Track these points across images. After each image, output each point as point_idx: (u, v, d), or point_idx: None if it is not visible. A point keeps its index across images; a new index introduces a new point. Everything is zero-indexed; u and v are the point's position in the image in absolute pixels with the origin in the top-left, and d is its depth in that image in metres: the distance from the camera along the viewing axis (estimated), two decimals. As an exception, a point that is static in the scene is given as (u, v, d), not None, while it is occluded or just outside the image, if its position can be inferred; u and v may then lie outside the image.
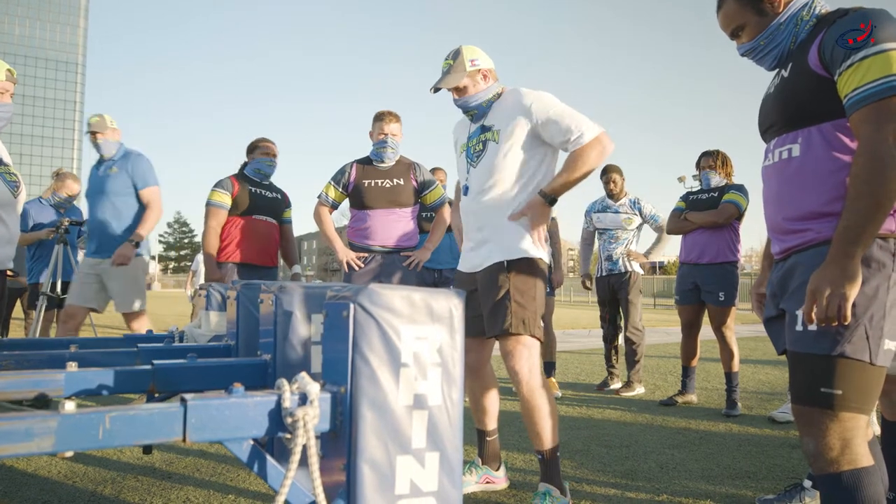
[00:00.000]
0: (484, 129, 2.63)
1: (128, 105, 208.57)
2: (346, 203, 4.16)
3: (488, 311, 2.51)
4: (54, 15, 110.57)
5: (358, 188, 3.91)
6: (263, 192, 4.34)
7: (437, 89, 2.64)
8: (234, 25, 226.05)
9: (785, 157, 1.74)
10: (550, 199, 2.47)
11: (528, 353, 2.45)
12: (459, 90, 2.63)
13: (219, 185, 4.27)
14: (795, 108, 1.71)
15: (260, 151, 4.36)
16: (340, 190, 3.98)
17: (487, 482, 2.79)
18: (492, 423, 2.83)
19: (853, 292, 1.49)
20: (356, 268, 3.87)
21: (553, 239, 5.33)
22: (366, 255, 3.91)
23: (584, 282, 5.88)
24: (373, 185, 3.90)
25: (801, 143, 1.70)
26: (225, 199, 4.23)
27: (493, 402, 2.80)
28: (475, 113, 2.67)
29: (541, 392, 2.46)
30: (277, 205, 4.44)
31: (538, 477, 2.94)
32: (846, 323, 1.51)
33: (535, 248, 2.52)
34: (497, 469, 2.83)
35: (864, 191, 1.50)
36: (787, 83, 1.73)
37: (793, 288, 1.69)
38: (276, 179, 4.53)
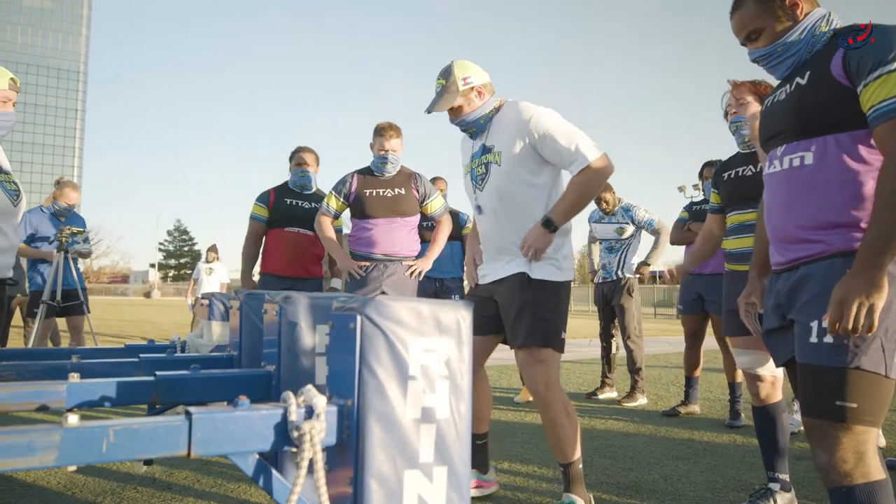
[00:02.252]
0: (485, 149, 2.58)
1: (129, 113, 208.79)
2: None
3: (510, 322, 2.50)
4: (57, 24, 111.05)
5: (359, 198, 3.92)
6: (301, 202, 4.32)
7: (431, 111, 2.59)
8: (234, 33, 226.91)
9: (797, 164, 1.72)
10: (553, 226, 2.42)
11: (545, 369, 2.44)
12: (454, 110, 2.58)
13: (258, 197, 4.36)
14: (812, 116, 1.69)
15: (294, 163, 4.38)
16: (342, 200, 3.97)
17: (477, 486, 2.76)
18: (482, 427, 2.80)
19: (881, 303, 1.49)
20: (357, 276, 3.86)
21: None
22: (367, 263, 3.90)
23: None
24: (374, 194, 3.90)
25: (815, 151, 1.68)
26: (260, 211, 4.31)
27: (484, 406, 2.77)
28: (474, 130, 2.62)
29: (559, 407, 2.44)
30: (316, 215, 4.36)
31: (541, 487, 2.93)
32: (870, 333, 1.50)
33: (557, 271, 2.51)
34: (486, 473, 2.80)
35: (892, 202, 1.49)
36: (804, 90, 1.71)
37: (805, 299, 1.68)
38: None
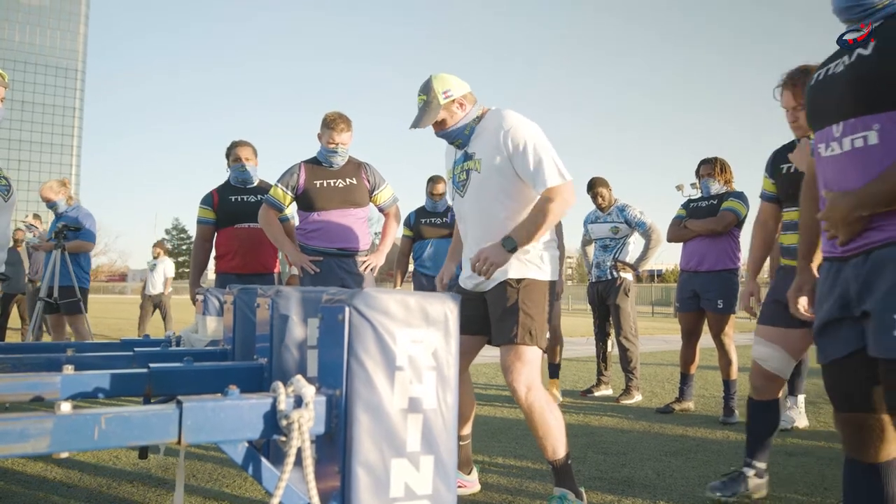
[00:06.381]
0: (467, 156, 2.61)
1: (127, 111, 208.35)
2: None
3: (496, 320, 2.52)
4: (55, 21, 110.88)
5: (309, 190, 3.76)
6: (246, 197, 4.22)
7: (416, 127, 2.59)
8: (234, 31, 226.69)
9: (859, 145, 1.59)
10: (511, 246, 2.40)
11: (527, 371, 2.45)
12: (438, 123, 2.59)
13: (202, 200, 4.28)
14: (876, 90, 1.55)
15: (232, 158, 4.26)
16: (289, 193, 3.79)
17: (459, 486, 2.77)
18: (465, 429, 2.82)
19: None
20: (311, 272, 3.70)
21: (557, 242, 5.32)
22: (320, 258, 3.75)
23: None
24: (325, 185, 3.77)
25: (878, 129, 1.56)
26: (206, 213, 4.24)
27: (466, 407, 2.77)
28: (460, 142, 2.63)
29: (541, 407, 2.45)
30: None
31: (534, 483, 2.95)
32: None
33: (539, 272, 2.53)
34: (468, 473, 2.82)
35: None
36: (868, 62, 1.58)
37: (884, 289, 1.55)
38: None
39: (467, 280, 2.68)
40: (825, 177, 1.72)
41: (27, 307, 9.16)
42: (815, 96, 1.76)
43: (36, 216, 8.44)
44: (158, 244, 10.66)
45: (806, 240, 2.02)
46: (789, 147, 2.95)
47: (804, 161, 2.60)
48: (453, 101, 2.56)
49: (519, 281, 2.49)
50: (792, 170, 2.85)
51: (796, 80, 2.64)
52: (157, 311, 10.18)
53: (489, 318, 2.60)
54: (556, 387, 5.25)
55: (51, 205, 5.50)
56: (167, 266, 10.31)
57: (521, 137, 2.45)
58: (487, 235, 2.53)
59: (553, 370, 5.35)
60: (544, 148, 2.46)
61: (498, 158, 2.49)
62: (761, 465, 2.75)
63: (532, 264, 2.52)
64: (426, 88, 2.57)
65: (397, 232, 4.31)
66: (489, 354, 2.90)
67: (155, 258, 10.35)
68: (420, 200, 5.48)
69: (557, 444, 2.47)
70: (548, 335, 2.56)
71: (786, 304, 2.73)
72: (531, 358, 2.45)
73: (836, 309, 1.68)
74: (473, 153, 2.58)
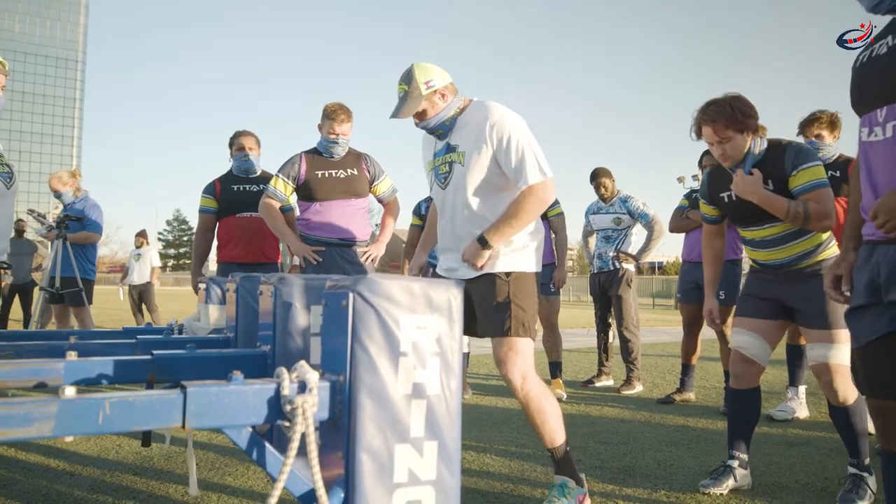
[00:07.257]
0: (449, 147, 2.57)
1: (128, 102, 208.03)
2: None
3: (485, 313, 2.50)
4: (55, 12, 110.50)
5: (310, 180, 3.76)
6: (248, 187, 4.23)
7: (395, 117, 2.56)
8: (236, 24, 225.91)
9: None
10: (487, 245, 2.42)
11: (521, 361, 2.44)
12: (419, 114, 2.55)
13: (204, 189, 4.29)
14: None
15: (235, 147, 4.28)
16: (290, 183, 3.78)
17: None
18: None
19: None
20: (314, 262, 3.70)
21: (559, 236, 5.29)
22: (322, 248, 3.75)
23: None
24: (326, 175, 3.77)
25: None
26: (208, 202, 4.25)
27: None
28: (440, 133, 2.59)
29: (537, 396, 2.45)
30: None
31: (535, 473, 2.96)
32: None
33: (527, 263, 2.52)
34: None
35: None
36: None
37: None
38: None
39: (446, 272, 2.65)
40: (869, 162, 1.67)
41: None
42: (859, 78, 1.70)
43: None
44: (141, 234, 10.56)
45: (852, 221, 1.93)
46: (718, 174, 2.90)
47: (749, 190, 2.60)
48: (435, 91, 2.51)
49: (508, 274, 2.47)
50: (734, 198, 2.77)
51: (714, 115, 2.62)
52: (142, 301, 10.08)
53: (471, 309, 2.55)
54: (559, 387, 5.12)
55: (58, 195, 5.51)
56: (154, 255, 10.23)
57: (506, 131, 2.42)
58: (470, 228, 2.52)
59: (554, 369, 5.28)
60: (528, 143, 2.44)
61: (483, 151, 2.46)
62: (744, 455, 2.77)
63: (518, 255, 2.50)
64: (408, 78, 2.52)
65: (398, 223, 4.31)
66: (490, 346, 2.89)
67: (138, 248, 10.27)
68: (422, 192, 5.46)
69: (555, 431, 2.47)
70: (538, 325, 2.54)
71: (760, 298, 2.78)
72: (524, 348, 2.45)
73: (867, 293, 1.65)
74: (457, 145, 2.54)
